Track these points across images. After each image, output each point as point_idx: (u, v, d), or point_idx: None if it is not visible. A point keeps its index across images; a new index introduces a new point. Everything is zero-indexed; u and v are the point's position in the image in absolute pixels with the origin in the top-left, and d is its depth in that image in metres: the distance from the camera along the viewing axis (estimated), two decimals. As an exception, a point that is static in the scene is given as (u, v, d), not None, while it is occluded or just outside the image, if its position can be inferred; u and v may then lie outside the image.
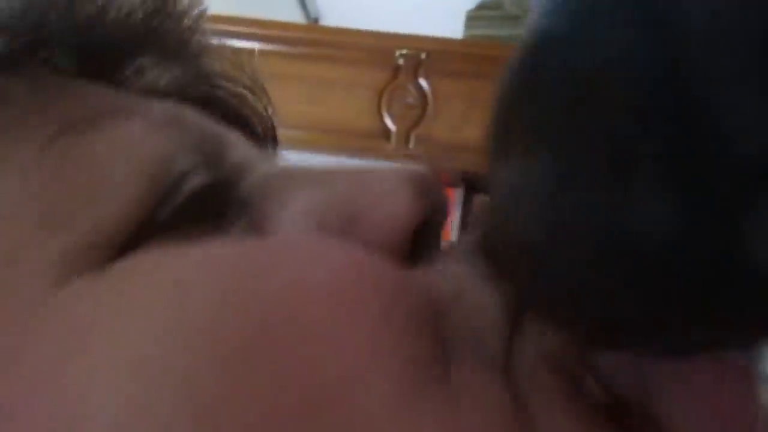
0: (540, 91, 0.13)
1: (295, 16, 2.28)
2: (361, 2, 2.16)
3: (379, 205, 0.17)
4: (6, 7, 0.17)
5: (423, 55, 1.61)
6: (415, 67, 1.62)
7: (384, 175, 0.18)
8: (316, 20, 2.38)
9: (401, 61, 1.62)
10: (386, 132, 1.61)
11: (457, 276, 0.17)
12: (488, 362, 0.15)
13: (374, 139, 1.60)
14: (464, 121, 1.57)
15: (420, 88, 1.62)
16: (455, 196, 1.88)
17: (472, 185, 1.84)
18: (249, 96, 0.25)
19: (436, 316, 0.15)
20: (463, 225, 1.84)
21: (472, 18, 1.85)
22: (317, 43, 1.63)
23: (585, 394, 0.16)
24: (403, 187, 0.17)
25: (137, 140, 0.17)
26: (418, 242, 0.17)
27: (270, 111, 0.25)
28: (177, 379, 0.13)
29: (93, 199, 0.15)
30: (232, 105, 0.24)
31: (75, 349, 0.14)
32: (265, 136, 0.25)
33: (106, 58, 0.20)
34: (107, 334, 0.14)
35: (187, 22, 0.23)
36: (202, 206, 0.17)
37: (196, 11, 0.23)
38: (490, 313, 0.16)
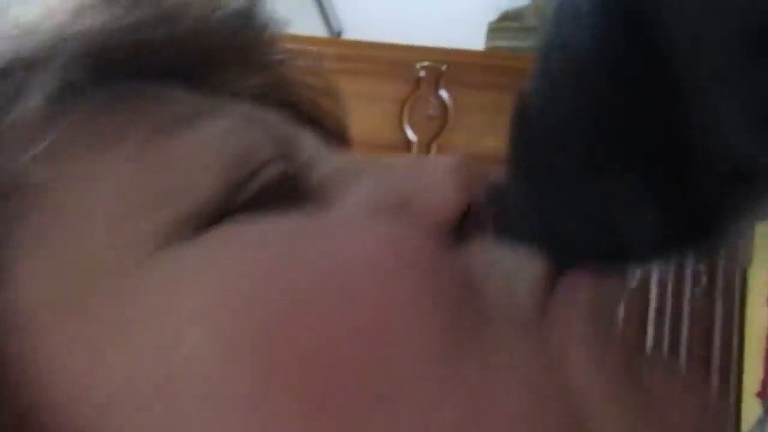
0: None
1: (318, 30, 2.31)
2: (383, 15, 2.18)
3: (428, 192, 0.20)
4: (108, 24, 0.20)
5: (444, 67, 1.63)
6: (436, 78, 1.64)
7: (435, 166, 0.20)
8: (339, 34, 2.41)
9: (422, 73, 1.64)
10: (407, 143, 1.63)
11: (494, 251, 0.19)
12: (523, 322, 0.18)
13: (395, 150, 1.62)
14: (485, 132, 1.58)
15: (441, 99, 1.64)
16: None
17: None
18: (323, 101, 0.28)
19: (472, 284, 0.18)
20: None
21: (494, 30, 1.86)
22: (339, 57, 1.66)
23: (617, 344, 0.18)
24: (451, 176, 0.20)
25: (223, 136, 0.20)
26: (465, 223, 0.20)
27: (342, 114, 0.28)
28: (248, 323, 0.16)
29: (186, 184, 0.19)
30: (307, 109, 0.27)
31: (168, 300, 0.17)
32: (338, 137, 0.27)
33: (197, 69, 0.23)
34: (194, 288, 0.17)
35: (267, 34, 0.26)
36: (277, 191, 0.19)
37: (276, 25, 0.26)
38: (524, 279, 0.18)
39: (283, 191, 0.20)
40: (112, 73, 0.20)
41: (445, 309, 0.17)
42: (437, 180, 0.20)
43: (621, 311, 0.19)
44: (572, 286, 0.18)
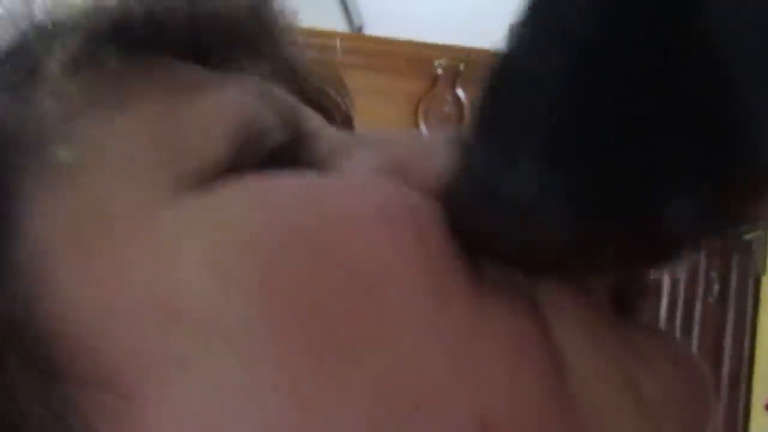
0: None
1: (339, 24, 2.32)
2: (404, 11, 2.19)
3: (424, 158, 0.21)
4: (129, 5, 0.22)
5: (462, 66, 1.64)
6: (454, 77, 1.65)
7: (433, 137, 0.22)
8: (359, 29, 2.42)
9: (440, 71, 1.65)
10: (423, 140, 1.63)
11: None
12: (516, 287, 0.19)
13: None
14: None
15: (457, 98, 1.64)
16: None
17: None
18: (329, 90, 0.29)
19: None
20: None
21: (513, 30, 1.85)
22: (358, 52, 1.66)
23: (605, 317, 0.19)
24: (445, 146, 0.20)
25: (232, 101, 0.21)
26: None
27: (348, 103, 0.29)
28: (252, 262, 0.18)
29: (196, 142, 0.20)
30: (314, 97, 0.28)
31: (176, 240, 0.18)
32: (343, 125, 0.29)
33: (212, 48, 0.25)
34: (200, 230, 0.18)
35: (282, 23, 0.27)
36: (283, 155, 0.21)
37: (288, 15, 0.27)
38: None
39: (289, 155, 0.21)
40: (132, 45, 0.22)
41: (436, 258, 0.18)
42: (432, 149, 0.21)
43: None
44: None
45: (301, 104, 0.24)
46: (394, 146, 0.22)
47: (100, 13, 0.21)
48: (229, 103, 0.21)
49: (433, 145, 0.21)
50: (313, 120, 0.24)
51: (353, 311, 0.17)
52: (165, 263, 0.18)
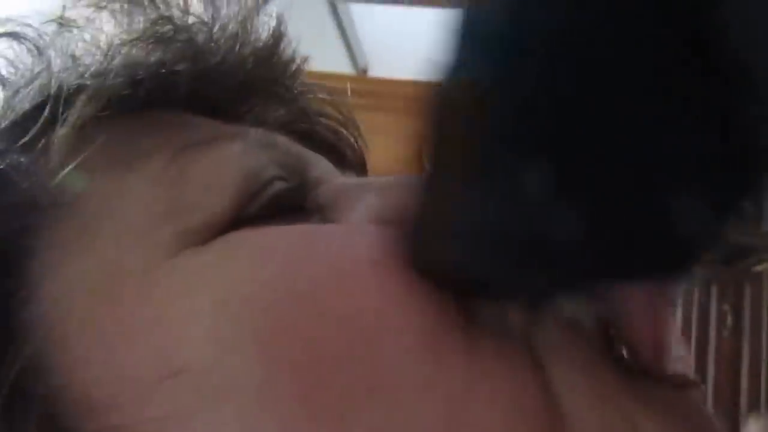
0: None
1: (345, 66, 2.35)
2: (409, 51, 2.22)
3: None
4: (140, 60, 0.23)
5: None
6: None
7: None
8: (365, 71, 2.46)
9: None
10: (430, 178, 1.64)
11: None
12: (510, 330, 0.18)
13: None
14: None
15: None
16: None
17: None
18: (342, 130, 0.30)
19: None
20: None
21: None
22: (364, 93, 1.69)
23: (601, 354, 0.18)
24: None
25: (236, 156, 0.22)
26: None
27: (360, 142, 0.30)
28: (251, 320, 0.18)
29: (201, 198, 0.21)
30: (327, 138, 0.29)
31: (178, 298, 0.19)
32: (355, 165, 0.30)
33: (222, 100, 0.26)
34: (201, 288, 0.19)
35: (291, 69, 0.28)
36: (284, 206, 0.21)
37: (299, 59, 0.28)
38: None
39: (290, 206, 0.22)
40: (143, 103, 0.22)
41: (433, 316, 0.18)
42: None
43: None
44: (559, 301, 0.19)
45: (307, 152, 0.25)
46: (397, 192, 0.22)
47: (109, 75, 0.22)
48: (232, 157, 0.22)
49: None
50: (319, 167, 0.24)
51: (347, 366, 0.18)
52: (166, 322, 0.19)
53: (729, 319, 1.68)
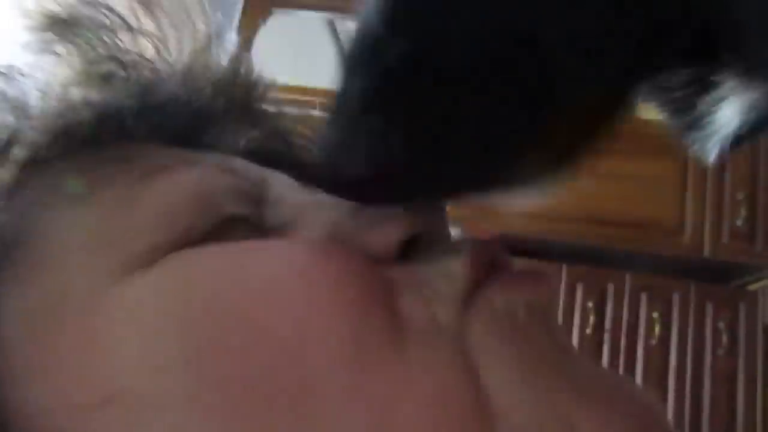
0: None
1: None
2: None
3: (375, 219, 0.21)
4: (86, 101, 0.23)
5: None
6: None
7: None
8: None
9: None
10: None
11: (424, 271, 0.21)
12: (440, 333, 0.19)
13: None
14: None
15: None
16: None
17: (507, 248, 1.85)
18: (313, 148, 0.29)
19: (392, 302, 0.19)
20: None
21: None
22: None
23: (541, 353, 0.19)
24: (394, 217, 0.21)
25: (190, 182, 0.22)
26: (412, 246, 0.21)
27: None
28: (183, 340, 0.18)
29: (150, 224, 0.21)
30: (298, 156, 0.29)
31: (118, 320, 0.19)
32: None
33: (181, 130, 0.26)
34: (139, 310, 0.19)
35: (256, 92, 0.28)
36: (238, 227, 0.22)
37: (265, 83, 0.29)
38: (446, 295, 0.20)
39: (245, 228, 0.22)
40: (93, 141, 0.23)
41: (357, 322, 0.18)
42: (381, 219, 0.21)
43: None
44: (489, 299, 0.20)
45: (268, 173, 0.25)
46: (346, 212, 0.22)
47: (56, 116, 0.23)
48: (185, 184, 0.22)
49: (382, 213, 0.22)
50: (281, 187, 0.24)
51: (272, 378, 0.18)
52: (102, 348, 0.19)
53: (724, 338, 1.68)
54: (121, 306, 0.20)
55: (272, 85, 0.29)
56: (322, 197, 0.23)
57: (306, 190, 0.24)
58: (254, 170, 0.25)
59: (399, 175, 0.18)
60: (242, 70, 0.28)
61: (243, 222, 0.22)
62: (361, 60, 0.18)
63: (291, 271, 0.19)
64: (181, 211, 0.21)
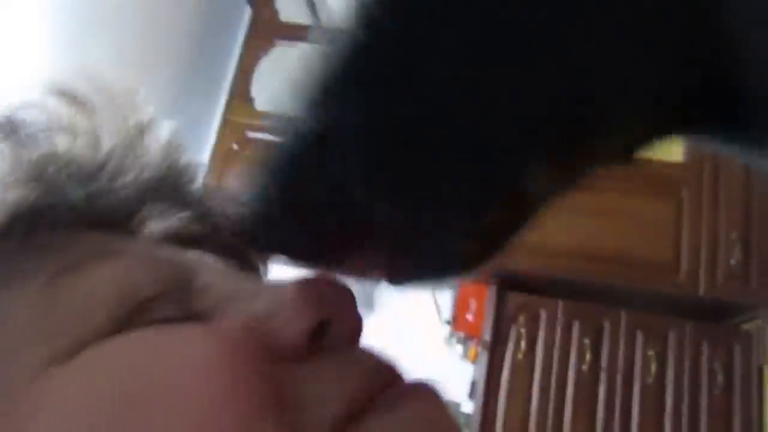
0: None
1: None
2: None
3: (275, 319, 0.22)
4: (16, 195, 0.24)
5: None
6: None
7: (283, 294, 0.22)
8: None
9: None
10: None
11: (321, 371, 0.21)
12: (328, 419, 0.19)
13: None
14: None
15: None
16: (489, 294, 1.90)
17: (505, 283, 1.86)
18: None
19: (287, 401, 0.20)
20: (497, 322, 1.84)
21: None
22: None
23: None
24: (292, 304, 0.22)
25: (113, 275, 0.23)
26: (321, 340, 0.22)
27: None
28: (83, 425, 0.19)
29: (72, 320, 0.21)
30: (228, 240, 0.29)
31: (35, 420, 0.20)
32: (256, 265, 0.31)
33: (111, 218, 0.27)
34: (51, 405, 0.20)
35: (187, 176, 0.29)
36: (161, 317, 0.22)
37: (195, 165, 0.30)
38: (329, 406, 0.20)
39: (169, 317, 0.22)
40: (23, 232, 0.23)
41: (246, 416, 0.19)
42: (282, 308, 0.22)
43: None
44: (378, 414, 0.20)
45: (195, 260, 0.26)
46: (259, 304, 0.22)
47: None
48: (108, 277, 0.22)
49: (281, 302, 0.22)
50: (209, 273, 0.25)
51: None
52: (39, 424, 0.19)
53: (720, 378, 1.69)
54: (38, 402, 0.20)
55: (202, 169, 0.30)
56: (246, 286, 0.24)
57: (232, 278, 0.25)
58: (180, 258, 0.25)
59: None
60: (173, 157, 0.29)
61: (165, 309, 0.22)
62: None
63: (194, 360, 0.20)
64: (102, 308, 0.21)
